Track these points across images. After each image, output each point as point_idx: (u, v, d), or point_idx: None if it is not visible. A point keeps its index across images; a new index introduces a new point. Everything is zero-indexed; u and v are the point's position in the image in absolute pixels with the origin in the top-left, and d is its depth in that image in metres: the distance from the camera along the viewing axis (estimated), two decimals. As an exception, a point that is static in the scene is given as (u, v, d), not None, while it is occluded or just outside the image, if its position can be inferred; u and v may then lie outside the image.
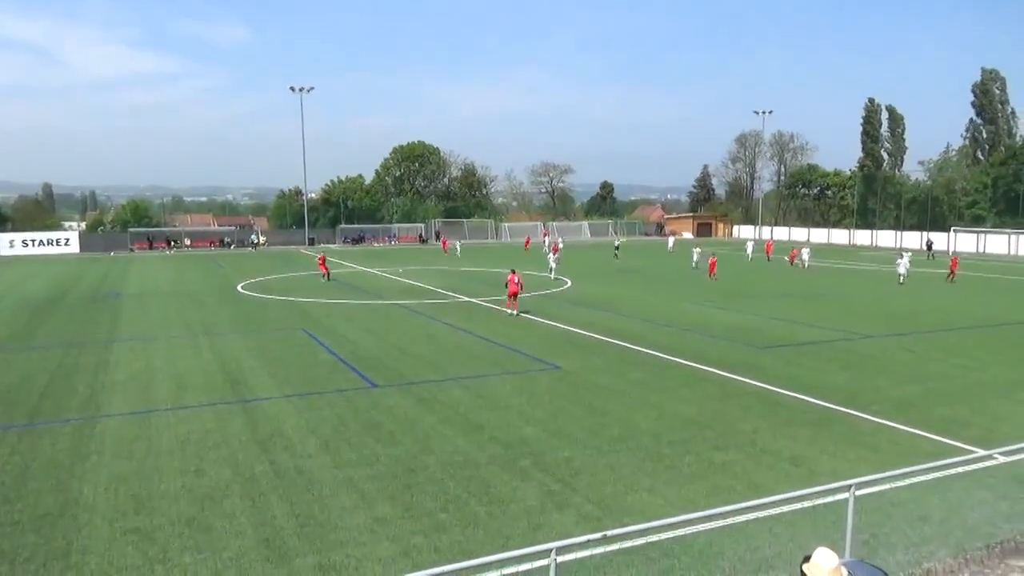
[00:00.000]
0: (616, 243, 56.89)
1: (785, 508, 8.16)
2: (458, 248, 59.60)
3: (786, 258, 49.94)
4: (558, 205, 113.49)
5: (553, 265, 38.64)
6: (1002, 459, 9.92)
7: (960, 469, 10.16)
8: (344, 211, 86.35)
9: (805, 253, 47.35)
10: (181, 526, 8.98)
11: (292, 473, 10.77)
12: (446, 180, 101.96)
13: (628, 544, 7.53)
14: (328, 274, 39.44)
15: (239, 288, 35.70)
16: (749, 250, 54.68)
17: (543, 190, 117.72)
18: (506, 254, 58.25)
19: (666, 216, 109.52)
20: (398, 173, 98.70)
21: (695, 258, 46.75)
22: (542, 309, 27.59)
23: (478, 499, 9.80)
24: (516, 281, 25.93)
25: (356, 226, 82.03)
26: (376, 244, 78.46)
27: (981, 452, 11.34)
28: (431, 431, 12.75)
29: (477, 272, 44.36)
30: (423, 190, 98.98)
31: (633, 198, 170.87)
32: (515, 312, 25.82)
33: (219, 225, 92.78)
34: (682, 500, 9.64)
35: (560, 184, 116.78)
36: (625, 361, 18.61)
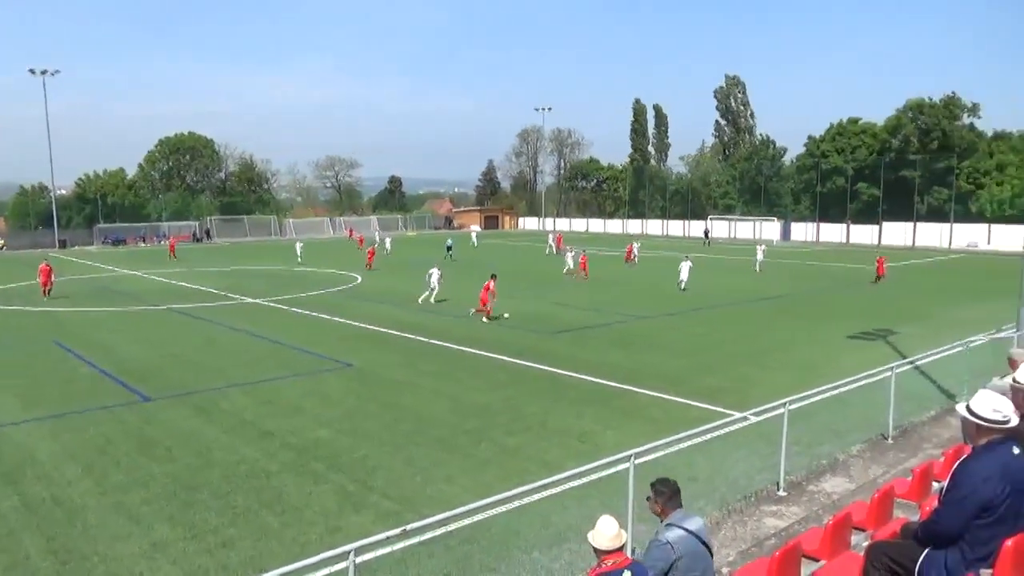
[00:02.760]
0: (448, 242, 53.67)
1: (574, 483, 8.63)
2: (299, 252, 48.13)
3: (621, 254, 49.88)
4: (345, 200, 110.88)
5: (435, 286, 28.01)
6: (753, 419, 11.28)
7: (721, 431, 11.41)
8: (103, 209, 77.81)
9: (636, 247, 49.70)
10: (-98, 582, 7.59)
11: (48, 504, 9.51)
12: (222, 175, 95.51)
13: (428, 536, 7.54)
14: (48, 290, 30.47)
15: (-27, 299, 30.87)
16: (550, 240, 57.52)
17: (329, 184, 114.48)
18: (332, 250, 55.59)
19: (454, 210, 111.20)
20: (166, 167, 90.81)
21: (570, 263, 39.62)
22: (333, 306, 26.83)
23: (270, 509, 9.30)
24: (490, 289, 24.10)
25: (118, 225, 74.25)
26: (143, 244, 71.71)
27: (737, 415, 12.81)
28: (213, 443, 11.88)
29: (259, 271, 42.14)
30: (195, 185, 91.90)
31: (422, 192, 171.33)
32: (473, 311, 24.11)
33: (-58, 228, 79.36)
34: (479, 486, 9.82)
35: (347, 178, 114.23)
36: (418, 354, 18.62)
